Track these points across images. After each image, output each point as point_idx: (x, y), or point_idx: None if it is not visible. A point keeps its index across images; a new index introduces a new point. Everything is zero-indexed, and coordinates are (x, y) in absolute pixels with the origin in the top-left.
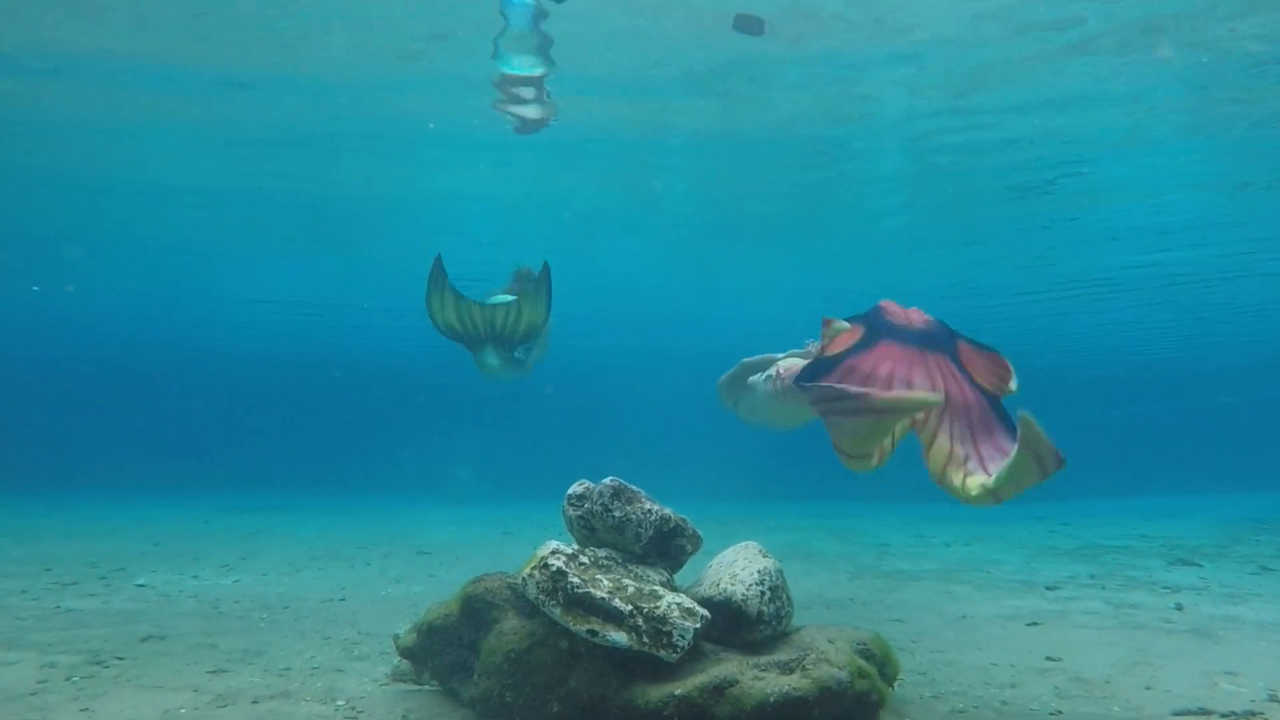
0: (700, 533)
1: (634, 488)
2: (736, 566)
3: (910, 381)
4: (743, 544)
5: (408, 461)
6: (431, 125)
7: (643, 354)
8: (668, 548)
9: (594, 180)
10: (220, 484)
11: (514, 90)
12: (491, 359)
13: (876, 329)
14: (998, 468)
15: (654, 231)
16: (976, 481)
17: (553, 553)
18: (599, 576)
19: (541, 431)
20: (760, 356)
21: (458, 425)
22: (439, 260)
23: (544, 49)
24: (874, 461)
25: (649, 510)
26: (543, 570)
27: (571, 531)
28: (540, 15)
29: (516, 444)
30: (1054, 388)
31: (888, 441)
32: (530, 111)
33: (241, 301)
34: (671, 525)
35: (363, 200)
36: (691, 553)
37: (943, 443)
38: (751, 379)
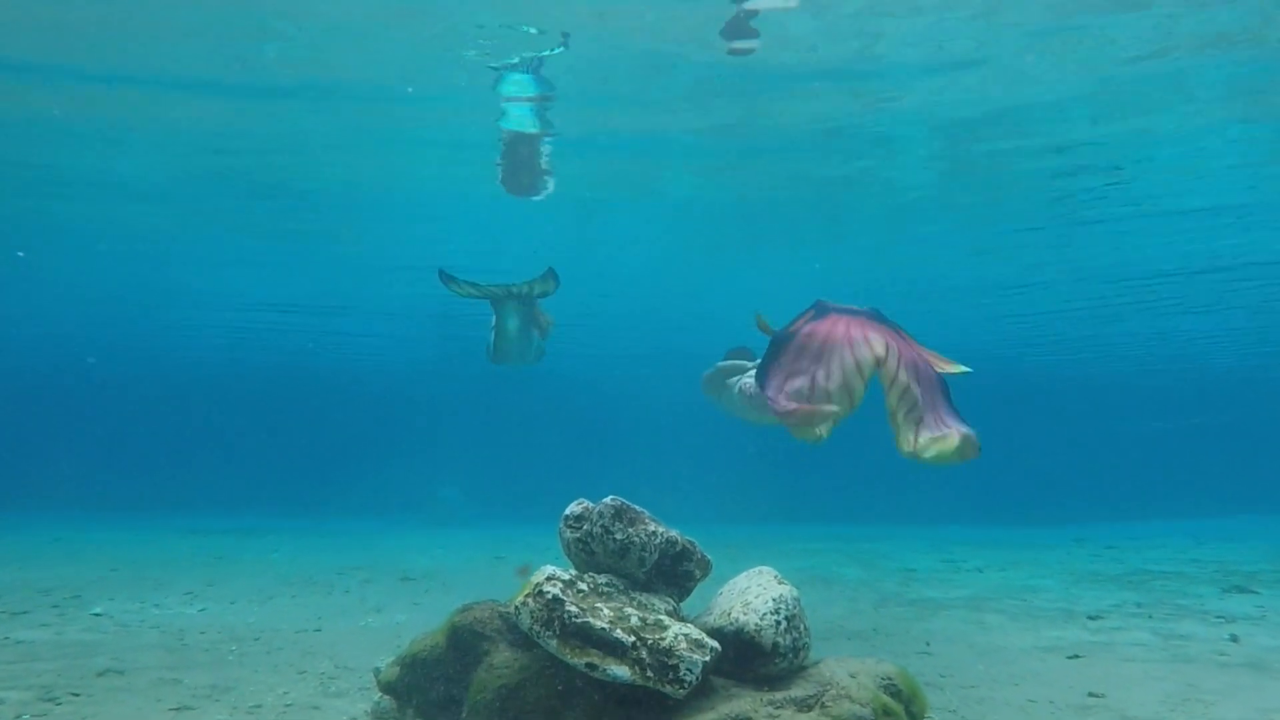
0: (709, 557)
1: (637, 508)
2: (749, 594)
3: (867, 337)
4: (756, 569)
5: (389, 480)
6: (410, 89)
7: (646, 360)
8: (674, 573)
9: (592, 172)
10: (184, 504)
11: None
12: (513, 320)
13: (826, 307)
14: (932, 435)
15: (660, 227)
16: (923, 440)
17: (548, 579)
18: (599, 605)
19: (535, 446)
20: (735, 362)
21: (444, 440)
22: (442, 274)
23: (543, 112)
24: (825, 429)
25: (654, 532)
26: (537, 598)
27: (569, 556)
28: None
29: (508, 460)
30: (1097, 397)
31: (851, 398)
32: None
33: (206, 305)
34: (678, 549)
35: (339, 192)
36: (700, 579)
37: (902, 380)
38: (730, 380)
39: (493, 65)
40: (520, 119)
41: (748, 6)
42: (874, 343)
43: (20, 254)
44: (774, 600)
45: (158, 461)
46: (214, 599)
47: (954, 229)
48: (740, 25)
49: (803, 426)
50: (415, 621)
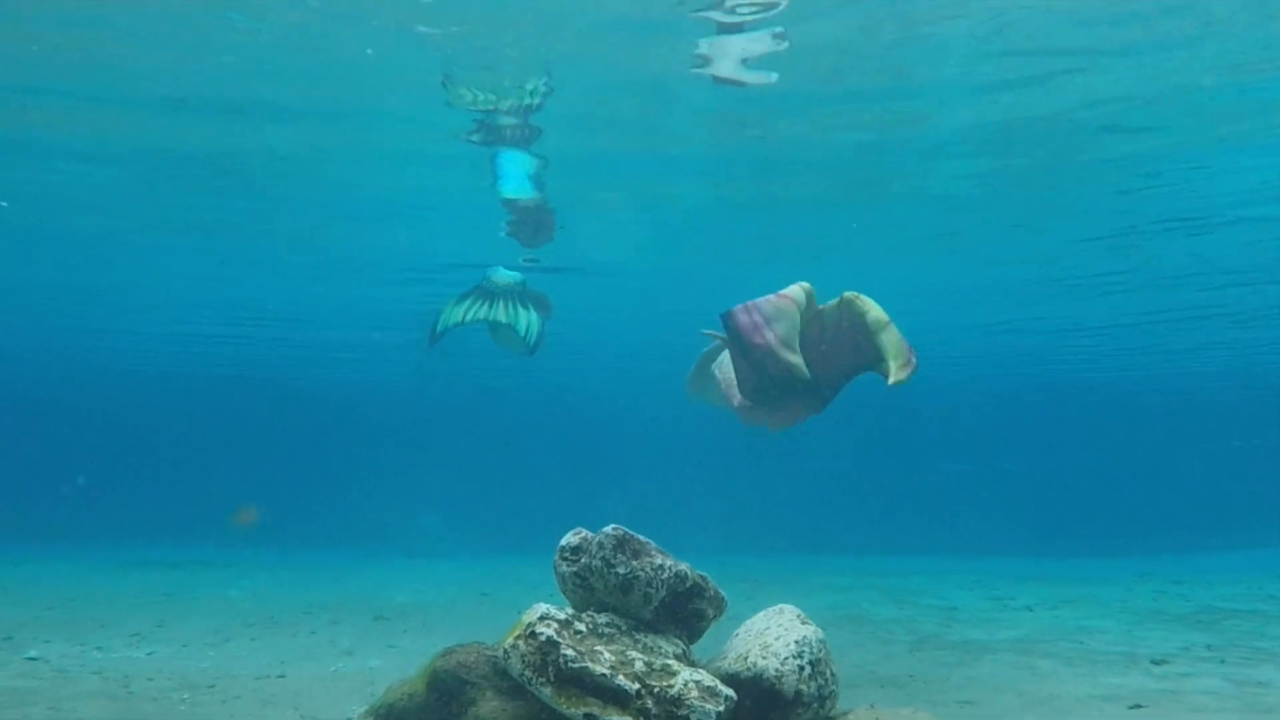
0: (724, 594)
1: (642, 538)
2: (769, 635)
3: (790, 292)
4: (777, 608)
5: (363, 506)
6: (370, 50)
7: (651, 373)
8: (684, 612)
9: (589, 175)
10: (128, 533)
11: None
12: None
13: (731, 313)
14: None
15: (666, 224)
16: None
17: (542, 618)
18: (599, 648)
19: (527, 469)
20: (712, 345)
21: (424, 462)
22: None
23: (540, 179)
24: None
25: (660, 566)
26: (529, 640)
27: (565, 592)
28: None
29: (496, 485)
30: (1164, 414)
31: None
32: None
33: (152, 311)
34: (688, 584)
35: (307, 186)
36: (713, 618)
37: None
38: (712, 366)
39: (481, 141)
40: (519, 187)
41: (727, 76)
42: (791, 289)
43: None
44: (797, 643)
45: (97, 485)
46: (163, 641)
47: (1002, 235)
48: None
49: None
50: (391, 667)
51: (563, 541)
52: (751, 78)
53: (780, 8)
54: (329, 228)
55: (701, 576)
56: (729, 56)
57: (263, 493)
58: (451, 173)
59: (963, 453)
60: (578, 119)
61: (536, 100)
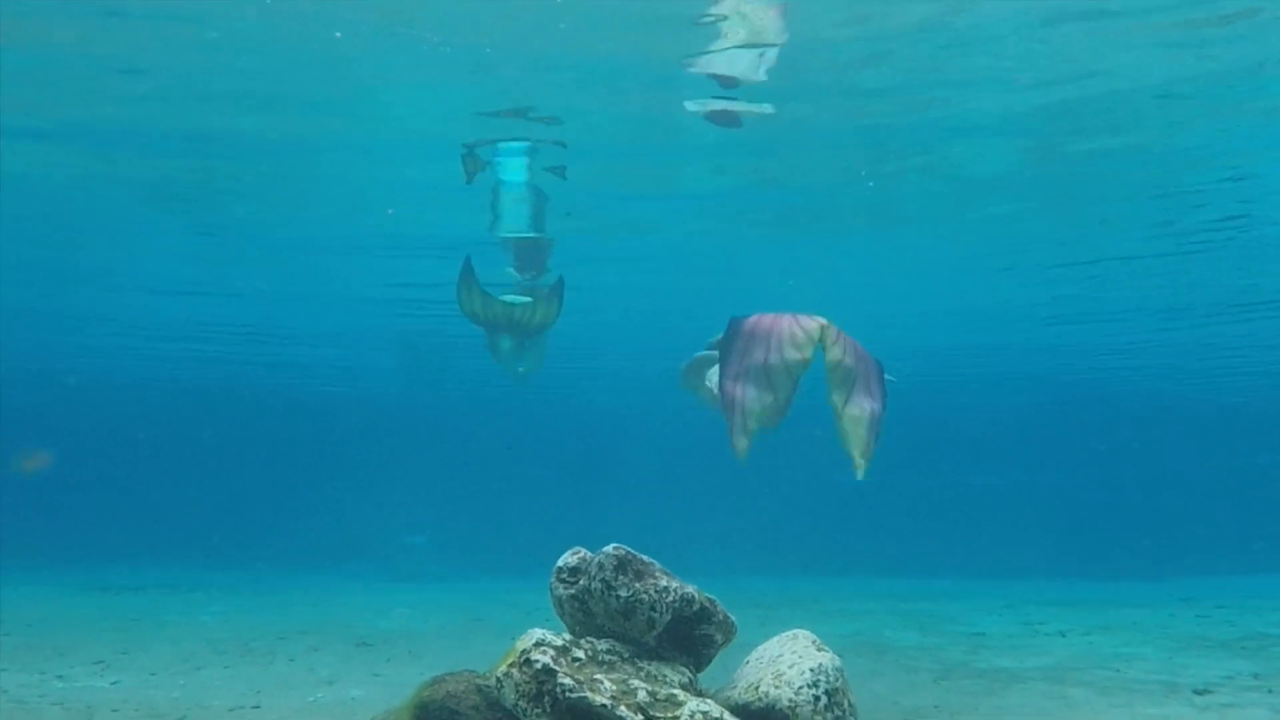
0: (733, 618)
1: (645, 558)
2: (782, 663)
3: (807, 325)
4: (790, 633)
5: (343, 526)
6: (338, 35)
7: (656, 379)
8: (690, 638)
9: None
10: (91, 554)
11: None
12: (506, 343)
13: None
14: (851, 407)
15: (678, 222)
16: (848, 408)
17: (537, 645)
18: (599, 676)
19: (521, 484)
20: (712, 353)
21: (409, 477)
22: (468, 261)
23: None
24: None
25: (665, 588)
26: (524, 668)
27: (562, 616)
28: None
29: (488, 501)
30: (1207, 428)
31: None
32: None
33: (115, 315)
34: (695, 608)
35: (291, 178)
36: (722, 644)
37: (836, 353)
38: (708, 372)
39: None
40: (516, 223)
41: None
42: (810, 322)
43: None
44: (812, 671)
45: (57, 502)
46: (129, 669)
47: (1035, 239)
48: (728, 115)
49: (760, 416)
50: (374, 697)
51: (560, 562)
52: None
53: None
54: (305, 212)
55: (710, 600)
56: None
57: (236, 510)
58: (442, 165)
59: (991, 466)
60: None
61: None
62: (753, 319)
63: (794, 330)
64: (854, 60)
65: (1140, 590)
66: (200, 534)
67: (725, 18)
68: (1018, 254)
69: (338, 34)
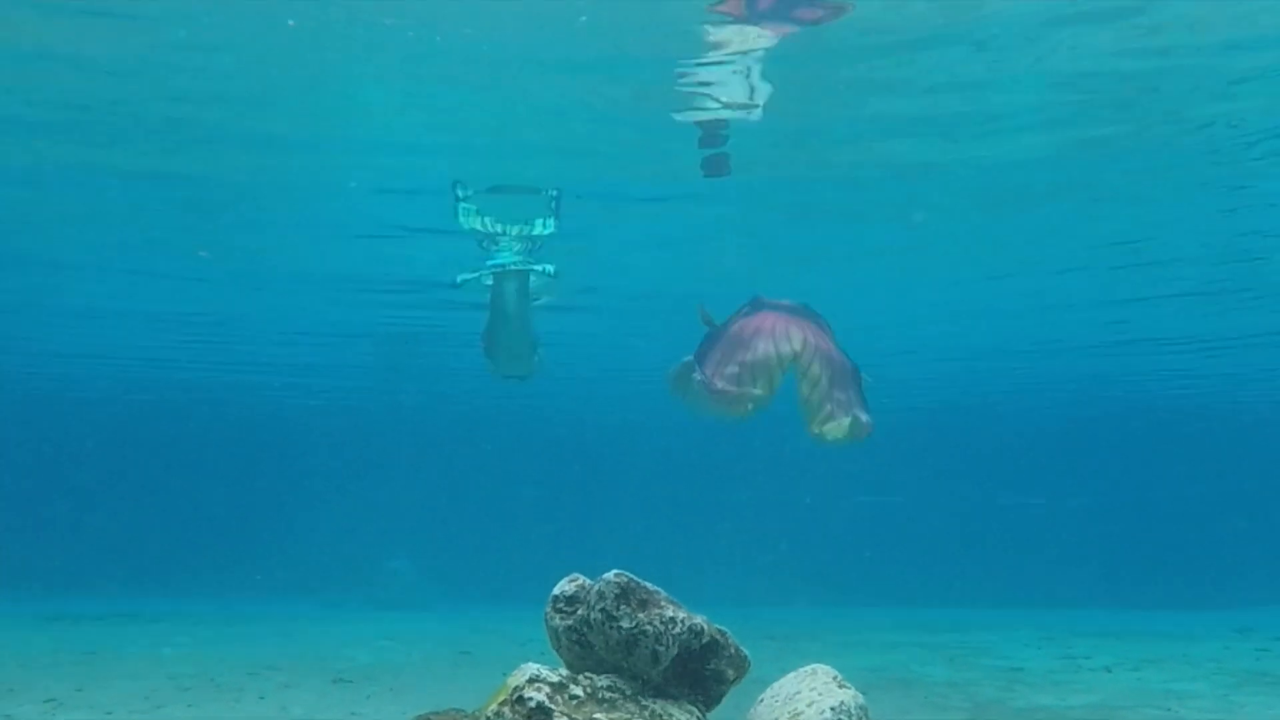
0: (746, 652)
1: (649, 586)
2: (800, 701)
3: (788, 330)
4: (809, 668)
5: (319, 549)
6: (291, 23)
7: (659, 394)
8: (699, 674)
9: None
10: (42, 582)
11: None
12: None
13: (758, 304)
14: (831, 419)
15: (681, 214)
16: (833, 425)
17: (531, 681)
18: (598, 716)
19: (514, 504)
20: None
21: (391, 496)
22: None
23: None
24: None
25: (672, 619)
26: (517, 706)
27: (558, 650)
28: None
29: (477, 523)
30: (1266, 442)
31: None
32: None
33: (66, 313)
34: (704, 641)
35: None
36: (734, 680)
37: (814, 371)
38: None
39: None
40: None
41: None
42: (793, 338)
43: None
44: (833, 710)
45: (5, 524)
46: (84, 708)
47: (1076, 228)
48: (718, 163)
49: (730, 406)
50: None
51: (556, 590)
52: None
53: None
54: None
55: (720, 631)
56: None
57: (201, 534)
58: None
59: (1028, 485)
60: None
61: (547, 230)
62: (735, 326)
63: (768, 351)
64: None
65: (1191, 620)
66: (163, 558)
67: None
68: (1063, 252)
69: (291, 21)
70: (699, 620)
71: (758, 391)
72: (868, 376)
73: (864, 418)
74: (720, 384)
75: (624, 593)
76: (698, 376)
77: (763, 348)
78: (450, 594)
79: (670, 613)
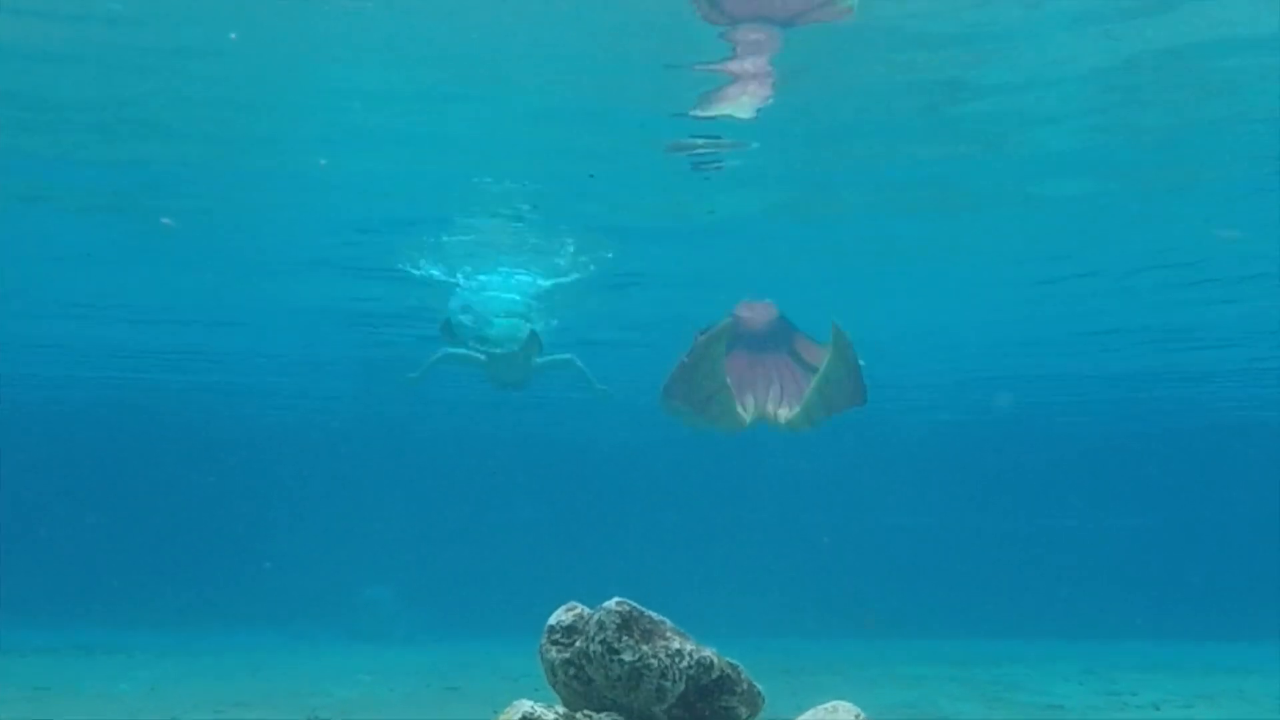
0: (760, 688)
1: (654, 615)
2: None
3: (748, 395)
4: (829, 705)
5: (292, 576)
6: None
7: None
8: (708, 711)
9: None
10: None
11: None
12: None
13: (734, 329)
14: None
15: (693, 215)
16: (784, 412)
17: (525, 719)
18: None
19: (505, 525)
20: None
21: (370, 517)
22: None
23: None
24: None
25: (679, 651)
26: None
27: (554, 685)
28: None
29: (464, 546)
30: None
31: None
32: None
33: (20, 337)
34: (714, 676)
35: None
36: (747, 719)
37: (781, 414)
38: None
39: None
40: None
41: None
42: (747, 408)
43: None
44: None
45: None
46: None
47: (1123, 231)
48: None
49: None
50: None
51: (552, 620)
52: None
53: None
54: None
55: (731, 665)
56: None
57: (162, 558)
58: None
59: (1067, 506)
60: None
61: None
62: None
63: (728, 410)
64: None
65: (1246, 652)
66: (120, 585)
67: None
68: (1101, 256)
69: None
70: (708, 653)
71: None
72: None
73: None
74: (683, 406)
75: (626, 623)
76: (669, 405)
77: (722, 401)
78: (435, 624)
79: (677, 645)
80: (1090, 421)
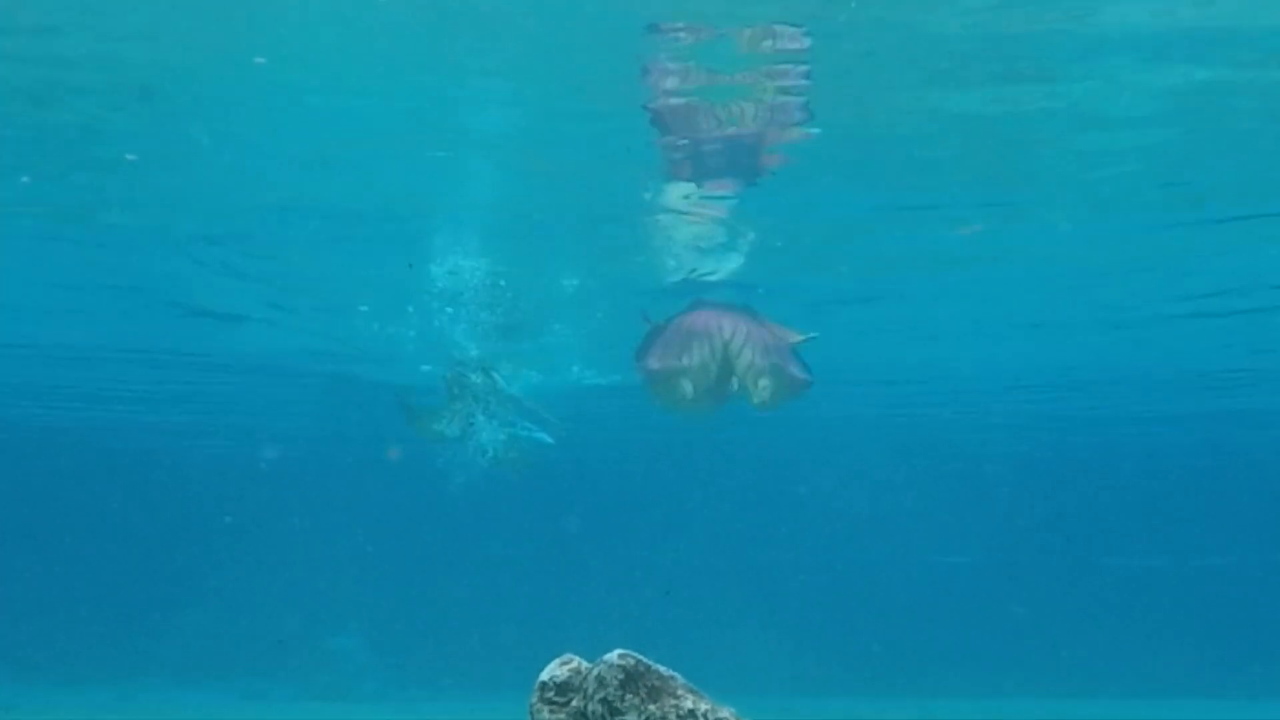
0: None
1: (661, 669)
2: None
3: (720, 323)
4: None
5: (243, 624)
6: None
7: (671, 430)
8: None
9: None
10: None
11: None
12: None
13: (697, 303)
14: (766, 376)
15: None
16: (763, 383)
17: None
18: None
19: (489, 567)
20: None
21: (334, 559)
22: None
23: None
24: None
25: (690, 711)
26: None
27: None
28: None
29: (442, 591)
30: None
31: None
32: None
33: None
34: None
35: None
36: None
37: (746, 356)
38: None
39: None
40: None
41: None
42: (724, 328)
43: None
44: None
45: None
46: None
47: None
48: None
49: (667, 385)
50: None
51: (544, 675)
52: None
53: None
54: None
55: None
56: None
57: (95, 607)
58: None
59: (1139, 542)
60: None
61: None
62: (674, 323)
63: (702, 339)
64: None
65: None
66: (48, 638)
67: None
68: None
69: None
70: (725, 713)
71: (685, 364)
72: (813, 333)
73: (793, 372)
74: (655, 364)
75: (630, 678)
76: (640, 367)
77: (699, 332)
78: (409, 680)
79: (690, 704)
80: (1167, 450)
